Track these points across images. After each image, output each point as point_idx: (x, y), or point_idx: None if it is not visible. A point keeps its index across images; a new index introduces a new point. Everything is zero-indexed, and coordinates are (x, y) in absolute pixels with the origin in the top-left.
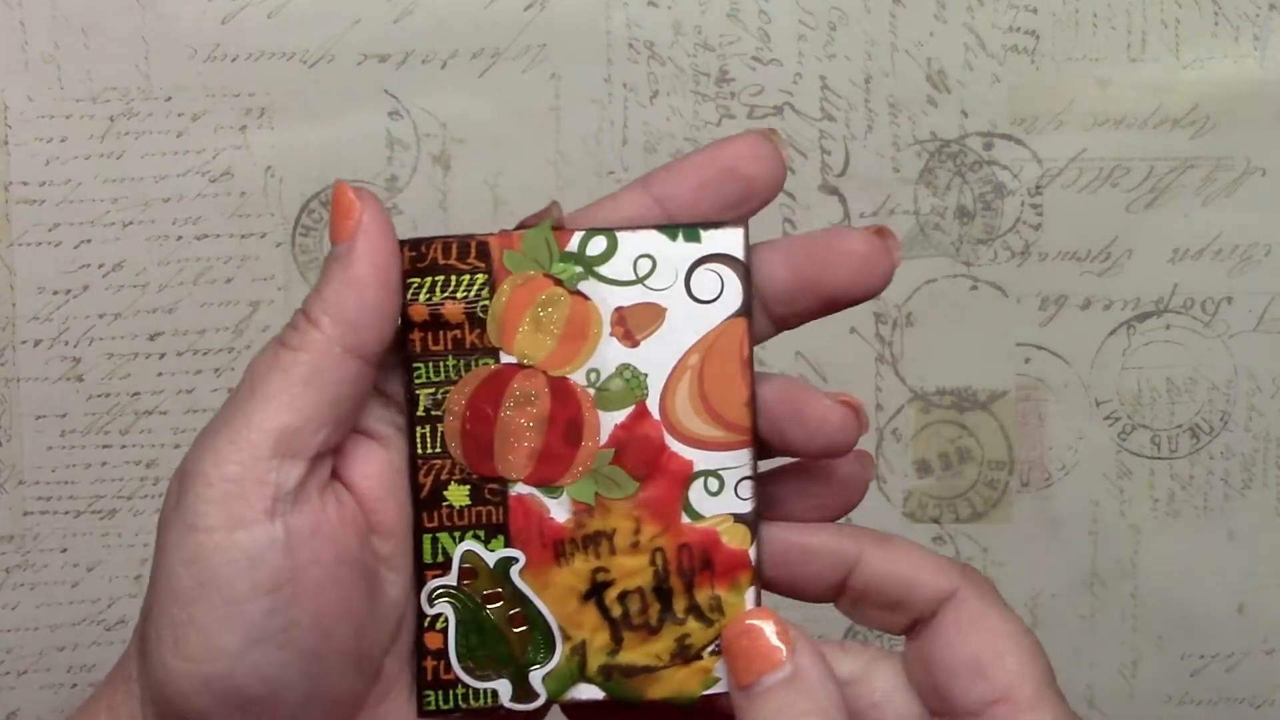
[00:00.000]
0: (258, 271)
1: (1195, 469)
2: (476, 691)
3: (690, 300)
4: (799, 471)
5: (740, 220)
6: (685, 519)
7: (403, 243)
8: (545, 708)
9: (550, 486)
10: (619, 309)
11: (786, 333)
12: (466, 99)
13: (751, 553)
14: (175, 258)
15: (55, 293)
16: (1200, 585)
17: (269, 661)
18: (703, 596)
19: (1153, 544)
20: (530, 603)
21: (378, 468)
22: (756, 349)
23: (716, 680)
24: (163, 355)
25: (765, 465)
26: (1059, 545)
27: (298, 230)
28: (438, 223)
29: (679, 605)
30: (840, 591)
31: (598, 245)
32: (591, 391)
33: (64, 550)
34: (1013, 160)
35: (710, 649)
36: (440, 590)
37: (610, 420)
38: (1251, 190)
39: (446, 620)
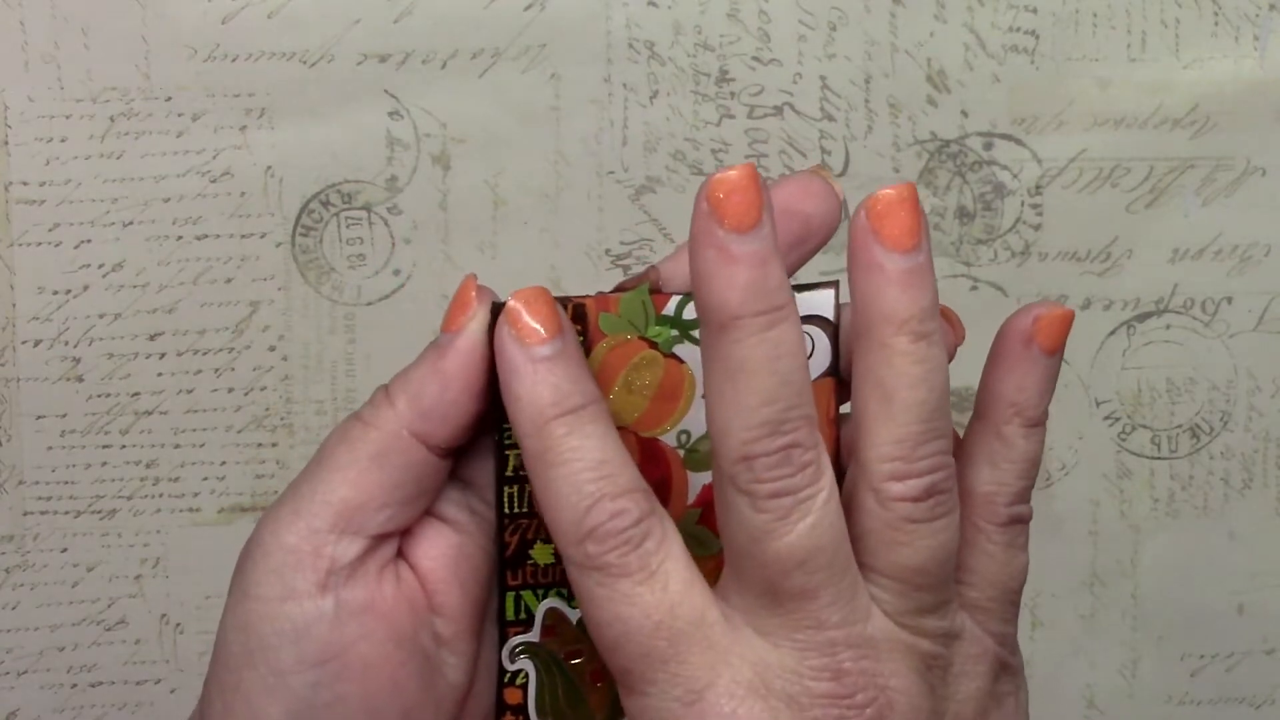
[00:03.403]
0: (258, 271)
1: (1195, 469)
2: None
3: None
4: None
5: (831, 281)
6: None
7: (501, 304)
8: None
9: None
10: None
11: None
12: (466, 99)
13: None
14: (175, 258)
15: (55, 293)
16: (1200, 585)
17: None
18: None
19: (1153, 544)
20: None
21: (444, 550)
22: None
23: None
24: (163, 355)
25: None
26: (1059, 545)
27: (298, 230)
28: (438, 223)
29: None
30: None
31: (694, 309)
32: (681, 453)
33: (64, 550)
34: (1013, 160)
35: None
36: (522, 646)
37: (699, 481)
38: (1251, 190)
39: (527, 676)
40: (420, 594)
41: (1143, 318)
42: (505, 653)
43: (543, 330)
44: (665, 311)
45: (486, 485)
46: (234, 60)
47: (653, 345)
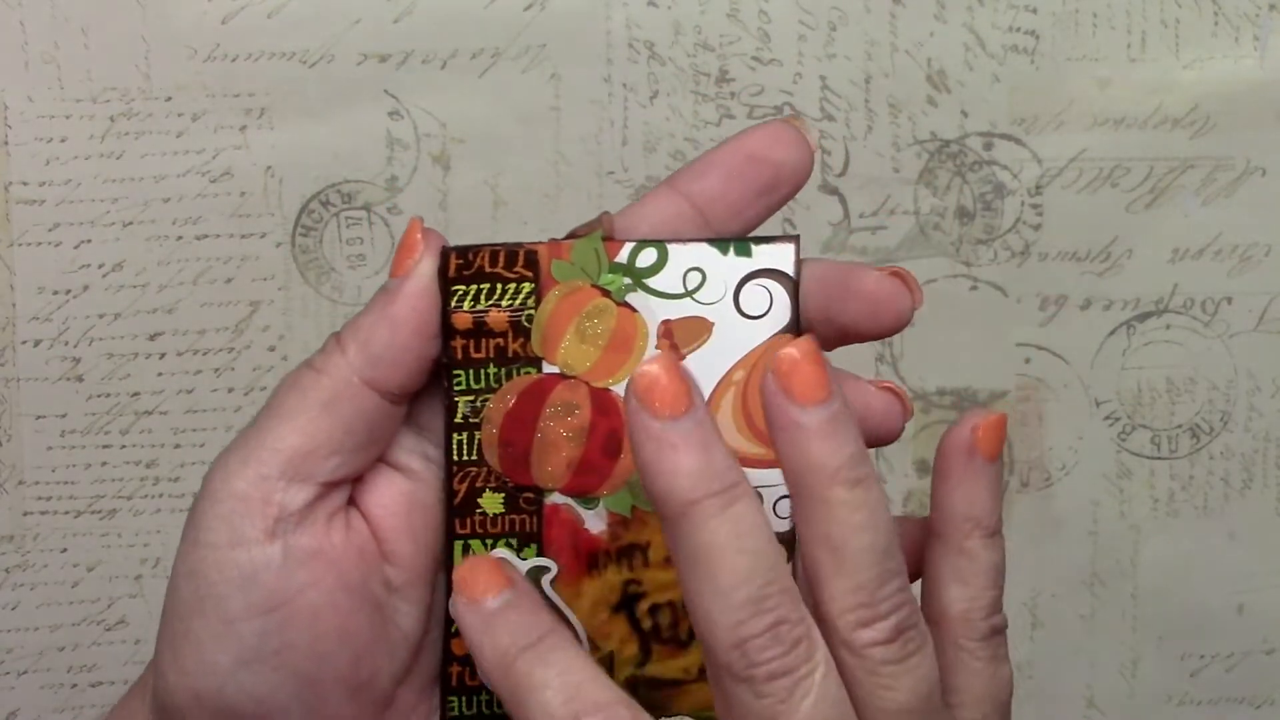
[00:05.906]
0: (258, 271)
1: (1195, 469)
2: None
3: (738, 315)
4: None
5: (792, 235)
6: None
7: (450, 249)
8: None
9: (587, 497)
10: (666, 322)
11: None
12: (466, 99)
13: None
14: (175, 258)
15: (55, 293)
16: (1200, 585)
17: (260, 682)
18: None
19: (1153, 544)
20: (560, 612)
21: (395, 497)
22: None
23: None
24: (163, 355)
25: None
26: (1059, 545)
27: (298, 230)
28: (438, 223)
29: None
30: None
31: (648, 257)
32: None
33: (64, 550)
34: (1013, 160)
35: None
36: None
37: None
38: (1251, 190)
39: None
40: (371, 541)
41: (1143, 318)
42: (452, 603)
43: (489, 590)
44: (618, 259)
45: (441, 431)
46: (234, 60)
47: (605, 293)
